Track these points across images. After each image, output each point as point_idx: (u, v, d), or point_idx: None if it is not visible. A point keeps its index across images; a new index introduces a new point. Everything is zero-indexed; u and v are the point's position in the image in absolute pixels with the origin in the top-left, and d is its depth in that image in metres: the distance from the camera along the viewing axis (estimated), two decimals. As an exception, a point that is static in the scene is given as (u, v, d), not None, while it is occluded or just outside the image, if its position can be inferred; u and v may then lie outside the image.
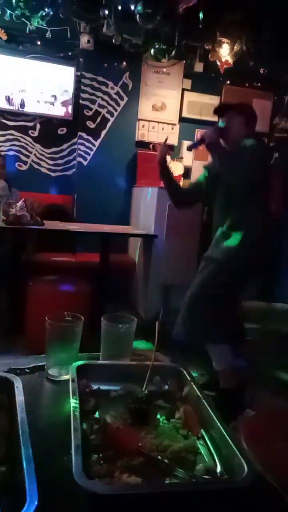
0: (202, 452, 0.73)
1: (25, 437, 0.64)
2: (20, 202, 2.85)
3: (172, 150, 4.26)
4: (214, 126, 2.29)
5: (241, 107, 2.27)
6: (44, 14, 3.41)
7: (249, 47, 3.70)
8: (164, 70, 4.12)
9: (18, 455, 0.61)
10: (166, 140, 2.43)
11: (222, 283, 2.09)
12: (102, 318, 1.02)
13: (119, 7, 3.32)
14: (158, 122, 4.21)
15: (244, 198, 2.09)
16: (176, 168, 4.14)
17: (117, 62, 3.96)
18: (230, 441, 0.70)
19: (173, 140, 4.27)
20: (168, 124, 4.24)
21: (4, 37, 3.66)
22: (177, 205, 2.57)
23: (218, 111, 2.33)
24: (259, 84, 4.38)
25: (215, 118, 4.34)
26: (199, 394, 0.85)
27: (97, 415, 0.80)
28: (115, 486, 0.61)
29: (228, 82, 4.32)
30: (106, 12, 3.37)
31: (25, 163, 4.00)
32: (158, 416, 0.82)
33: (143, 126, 4.18)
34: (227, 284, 2.10)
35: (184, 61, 4.10)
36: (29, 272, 2.99)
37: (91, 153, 4.06)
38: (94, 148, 4.06)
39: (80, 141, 4.02)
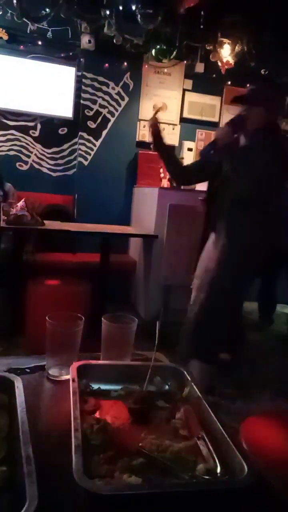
0: (202, 452, 0.73)
1: (26, 437, 0.64)
2: (20, 202, 2.85)
3: (173, 149, 4.26)
4: (226, 125, 2.14)
5: (257, 94, 2.08)
6: (44, 14, 3.41)
7: (250, 48, 3.70)
8: (165, 70, 4.13)
9: (18, 455, 0.61)
10: (156, 111, 2.31)
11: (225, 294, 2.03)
12: (102, 318, 1.02)
13: (120, 7, 3.32)
14: (159, 123, 4.20)
15: (246, 205, 1.98)
16: (176, 169, 4.14)
17: (118, 63, 3.97)
18: (230, 441, 0.70)
19: (174, 141, 4.28)
20: (169, 124, 4.24)
21: (5, 37, 3.67)
22: (178, 180, 2.44)
23: (237, 98, 2.18)
24: (260, 84, 4.38)
25: (215, 119, 4.38)
26: (199, 394, 0.85)
27: (97, 415, 0.80)
28: (115, 486, 0.60)
29: (229, 82, 4.32)
30: (107, 12, 3.37)
31: (26, 163, 4.00)
32: (159, 417, 0.82)
33: (144, 127, 4.18)
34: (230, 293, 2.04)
35: (185, 62, 4.11)
36: (30, 272, 2.99)
37: (92, 153, 4.06)
38: (95, 148, 4.06)
39: (81, 141, 4.02)
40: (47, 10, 3.37)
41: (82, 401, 0.78)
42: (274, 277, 3.48)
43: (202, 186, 4.30)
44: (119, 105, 4.07)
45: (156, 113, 2.28)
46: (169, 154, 2.35)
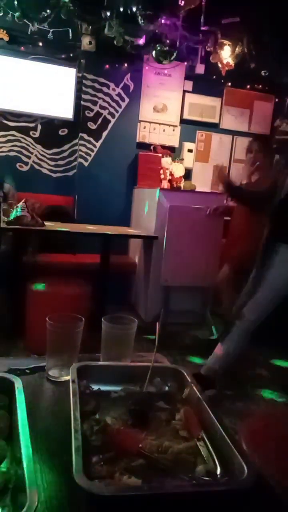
0: (202, 453, 0.73)
1: (26, 438, 0.64)
2: (21, 202, 2.85)
3: (173, 151, 4.27)
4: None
5: None
6: (45, 15, 3.42)
7: (251, 49, 3.71)
8: (166, 71, 4.13)
9: (18, 455, 0.61)
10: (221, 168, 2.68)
11: None
12: (102, 319, 1.02)
13: (121, 9, 3.33)
14: (159, 124, 4.22)
15: None
16: (177, 170, 4.15)
17: (118, 64, 3.98)
18: (230, 442, 0.70)
19: (174, 142, 4.28)
20: (169, 125, 4.24)
21: (6, 38, 3.67)
22: (254, 208, 2.63)
23: None
24: (260, 86, 4.39)
25: (215, 120, 4.38)
26: (199, 395, 0.85)
27: (97, 416, 0.80)
28: (115, 487, 0.61)
29: (230, 84, 4.33)
30: (108, 13, 3.38)
31: (26, 164, 4.01)
32: (158, 418, 0.82)
33: (144, 128, 4.19)
34: None
35: (185, 63, 4.11)
36: (30, 273, 2.99)
37: (92, 154, 4.07)
38: (95, 149, 4.07)
39: (81, 142, 4.03)
40: (48, 11, 3.37)
41: (82, 402, 0.78)
42: None
43: (203, 188, 4.31)
44: (120, 106, 4.08)
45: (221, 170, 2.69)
46: (241, 193, 2.60)
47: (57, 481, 0.63)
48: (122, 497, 0.58)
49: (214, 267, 3.20)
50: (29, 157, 4.00)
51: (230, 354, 2.23)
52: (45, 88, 3.85)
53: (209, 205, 3.16)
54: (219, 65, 3.84)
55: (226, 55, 3.76)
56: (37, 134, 4.00)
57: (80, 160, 4.05)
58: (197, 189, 4.20)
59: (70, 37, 3.81)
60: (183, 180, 4.19)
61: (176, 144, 4.29)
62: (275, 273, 2.16)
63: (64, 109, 3.93)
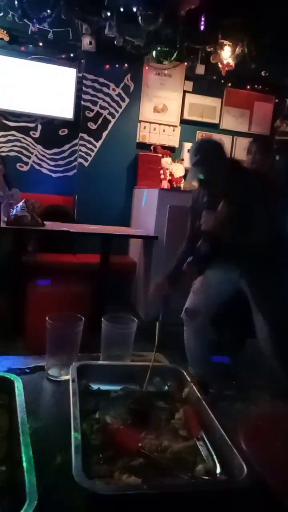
0: (202, 453, 0.73)
1: (25, 437, 0.64)
2: (21, 202, 2.85)
3: (173, 151, 4.27)
4: None
5: None
6: (46, 15, 3.42)
7: (251, 50, 3.71)
8: (166, 72, 4.13)
9: (18, 455, 0.61)
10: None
11: None
12: (102, 319, 1.02)
13: (121, 9, 3.33)
14: (159, 124, 4.22)
15: None
16: (177, 170, 4.15)
17: (118, 64, 3.97)
18: (229, 442, 0.70)
19: (174, 142, 4.28)
20: (169, 126, 4.24)
21: (6, 38, 3.67)
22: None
23: None
24: (260, 87, 4.39)
25: (215, 121, 4.38)
26: (199, 395, 0.85)
27: (97, 415, 0.80)
28: (114, 487, 0.61)
29: (230, 84, 4.33)
30: (108, 13, 3.38)
31: (26, 163, 4.01)
32: (158, 417, 0.82)
33: (144, 128, 4.19)
34: None
35: (185, 63, 4.12)
36: (30, 273, 2.99)
37: (92, 154, 4.07)
38: (95, 149, 4.07)
39: (81, 142, 4.03)
40: (48, 11, 3.38)
41: (82, 401, 0.78)
42: None
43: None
44: (120, 106, 4.08)
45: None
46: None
47: (56, 480, 0.63)
48: (122, 496, 0.58)
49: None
50: (29, 157, 4.00)
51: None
52: (45, 88, 3.85)
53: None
54: (219, 65, 3.84)
55: (227, 55, 3.76)
56: (37, 134, 4.00)
57: (80, 160, 4.05)
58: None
59: (71, 37, 3.81)
60: (183, 180, 4.19)
61: (176, 144, 4.29)
62: None
63: (64, 109, 3.93)
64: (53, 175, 4.10)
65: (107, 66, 3.97)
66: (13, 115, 3.89)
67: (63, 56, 3.89)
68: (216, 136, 4.42)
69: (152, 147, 4.16)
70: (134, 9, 3.29)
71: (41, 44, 3.78)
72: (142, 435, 0.74)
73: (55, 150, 4.06)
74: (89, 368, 0.93)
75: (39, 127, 3.99)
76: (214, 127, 4.43)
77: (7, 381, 0.81)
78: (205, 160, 1.93)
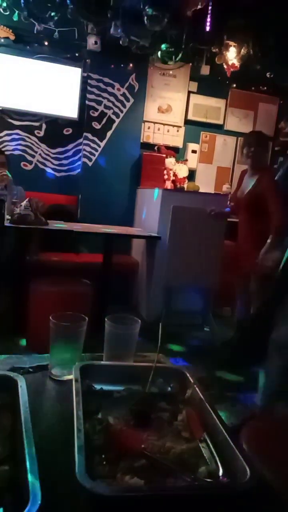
0: (205, 455, 0.73)
1: (28, 437, 0.64)
2: (24, 201, 2.85)
3: (177, 152, 4.27)
4: None
5: None
6: (51, 15, 3.42)
7: (256, 51, 3.70)
8: (171, 72, 4.13)
9: (21, 455, 0.61)
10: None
11: None
12: (106, 319, 1.02)
13: (127, 9, 3.33)
14: (164, 124, 4.22)
15: None
16: (180, 170, 4.15)
17: (123, 64, 3.98)
18: (232, 444, 0.70)
19: (178, 142, 4.28)
20: (174, 126, 4.24)
21: (12, 37, 3.68)
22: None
23: None
24: (265, 88, 4.39)
25: (220, 121, 4.38)
26: (201, 396, 0.85)
27: (99, 415, 0.80)
28: (117, 488, 0.61)
29: (234, 85, 4.33)
30: (114, 13, 3.38)
31: (31, 162, 4.02)
32: (161, 418, 0.82)
33: (148, 128, 4.19)
34: None
35: (190, 64, 4.12)
36: (32, 272, 2.99)
37: (96, 153, 4.07)
38: (99, 149, 4.07)
39: (85, 141, 4.03)
40: (54, 11, 3.38)
41: (85, 401, 0.78)
42: None
43: (206, 189, 4.31)
44: (124, 106, 4.08)
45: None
46: None
47: (59, 480, 0.63)
48: (125, 497, 0.58)
49: (216, 268, 3.18)
50: (33, 156, 4.01)
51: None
52: (50, 87, 3.86)
53: (212, 206, 3.16)
54: (225, 66, 3.84)
55: (232, 56, 3.76)
56: (41, 133, 4.00)
57: (84, 159, 4.05)
58: (201, 190, 4.20)
59: (76, 37, 3.82)
60: (186, 181, 4.19)
61: (180, 145, 4.29)
62: None
63: (69, 109, 3.93)
64: (57, 174, 4.10)
65: (112, 66, 3.97)
66: (18, 114, 3.90)
67: (68, 55, 3.90)
68: (220, 137, 4.43)
69: (156, 147, 4.16)
70: (140, 9, 3.28)
71: (46, 43, 3.79)
72: (145, 436, 0.73)
73: (59, 149, 4.07)
74: (92, 368, 0.93)
75: (44, 126, 3.99)
76: (219, 128, 4.43)
77: (10, 380, 0.81)
78: None
